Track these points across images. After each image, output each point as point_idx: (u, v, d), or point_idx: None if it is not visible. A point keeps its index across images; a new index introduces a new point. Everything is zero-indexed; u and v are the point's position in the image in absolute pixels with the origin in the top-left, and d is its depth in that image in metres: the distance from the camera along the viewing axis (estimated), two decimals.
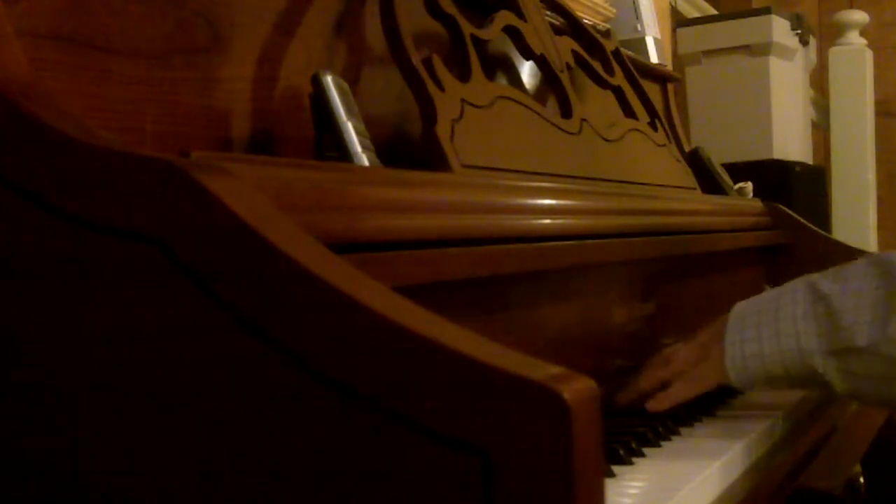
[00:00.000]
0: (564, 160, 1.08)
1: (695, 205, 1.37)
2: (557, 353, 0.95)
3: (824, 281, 0.92)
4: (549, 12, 1.29)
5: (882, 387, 0.90)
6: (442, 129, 0.88)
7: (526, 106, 1.05)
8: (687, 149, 1.69)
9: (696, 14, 3.12)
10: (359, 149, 0.80)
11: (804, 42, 2.84)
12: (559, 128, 1.10)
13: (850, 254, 1.52)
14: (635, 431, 0.85)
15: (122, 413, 0.53)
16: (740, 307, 0.96)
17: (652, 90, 1.67)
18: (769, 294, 0.96)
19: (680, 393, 0.95)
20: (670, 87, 1.81)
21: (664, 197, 1.29)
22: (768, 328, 0.92)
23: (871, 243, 2.89)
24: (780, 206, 1.65)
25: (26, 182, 0.54)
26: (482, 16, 1.09)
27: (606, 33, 1.45)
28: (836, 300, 0.90)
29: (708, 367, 0.95)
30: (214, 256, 0.50)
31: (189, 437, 0.51)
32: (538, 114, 1.07)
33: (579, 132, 1.14)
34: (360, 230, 0.65)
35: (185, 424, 0.51)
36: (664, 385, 0.96)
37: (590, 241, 0.94)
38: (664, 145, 1.42)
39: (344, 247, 0.59)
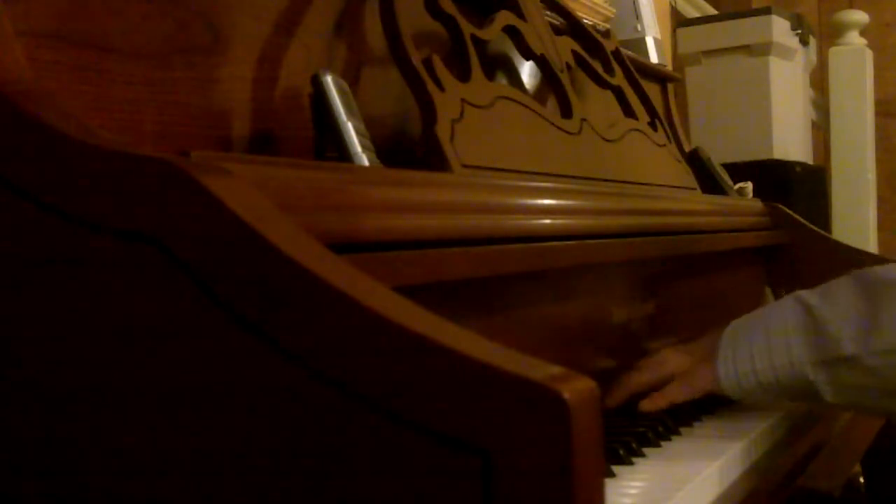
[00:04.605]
0: (564, 160, 1.08)
1: (695, 205, 1.37)
2: (557, 353, 0.95)
3: (811, 296, 0.95)
4: (549, 12, 1.29)
5: (870, 398, 0.91)
6: (442, 129, 0.88)
7: (526, 106, 1.05)
8: (687, 149, 1.69)
9: (696, 14, 3.12)
10: (359, 149, 0.80)
11: (804, 42, 2.84)
12: (559, 128, 1.10)
13: (850, 254, 1.53)
14: (635, 431, 0.85)
15: (122, 412, 0.53)
16: (733, 326, 0.98)
17: (652, 90, 1.66)
18: (760, 311, 0.98)
19: (674, 394, 0.96)
20: (670, 87, 1.81)
21: (664, 197, 1.29)
22: (759, 344, 0.94)
23: (871, 243, 2.89)
24: (780, 206, 1.65)
25: (26, 182, 0.54)
26: (482, 16, 1.09)
27: (606, 33, 1.45)
28: (823, 313, 0.92)
29: (702, 375, 0.96)
30: (214, 256, 0.50)
31: (188, 437, 0.51)
32: (538, 114, 1.07)
33: (579, 132, 1.14)
34: (360, 230, 0.65)
35: (185, 424, 0.51)
36: (654, 388, 0.97)
37: (590, 241, 0.94)
38: (664, 145, 1.42)
39: (344, 247, 0.59)
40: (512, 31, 1.12)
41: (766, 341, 0.93)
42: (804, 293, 0.95)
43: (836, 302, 0.92)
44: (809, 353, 0.91)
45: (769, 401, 1.00)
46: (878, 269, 0.94)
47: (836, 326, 0.90)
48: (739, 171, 2.12)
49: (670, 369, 0.97)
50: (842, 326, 0.90)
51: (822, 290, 0.95)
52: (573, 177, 1.08)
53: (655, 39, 1.86)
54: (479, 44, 1.02)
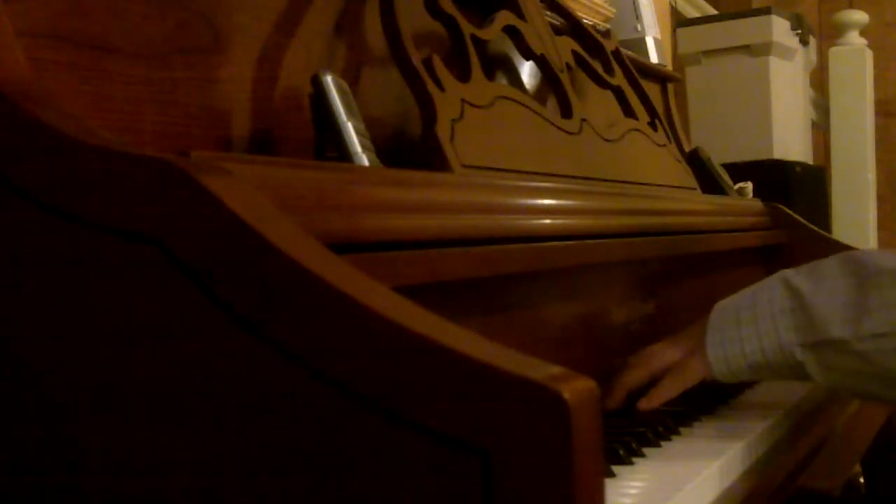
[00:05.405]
0: (564, 160, 1.08)
1: (695, 205, 1.37)
2: (557, 353, 0.95)
3: (798, 276, 0.95)
4: (549, 12, 1.29)
5: (857, 381, 0.92)
6: (442, 129, 0.88)
7: (526, 106, 1.05)
8: (687, 149, 1.69)
9: (696, 14, 3.12)
10: (359, 149, 0.80)
11: (804, 42, 2.84)
12: (559, 128, 1.10)
13: None
14: (635, 431, 0.85)
15: (122, 412, 0.53)
16: (719, 307, 0.97)
17: (652, 90, 1.66)
18: (746, 292, 0.98)
19: (668, 390, 0.96)
20: (670, 87, 1.81)
21: (664, 197, 1.29)
22: (748, 327, 0.94)
23: (871, 243, 2.89)
24: (780, 206, 1.65)
25: (26, 182, 0.54)
26: (482, 16, 1.09)
27: (606, 33, 1.45)
28: (810, 296, 0.92)
29: (693, 362, 0.96)
30: (214, 256, 0.50)
31: (188, 436, 0.51)
32: (538, 114, 1.07)
33: (579, 132, 1.14)
34: (360, 230, 0.65)
35: (185, 424, 0.51)
36: (649, 384, 0.97)
37: (590, 241, 0.94)
38: (664, 145, 1.42)
39: (344, 247, 0.59)
40: (512, 31, 1.12)
41: (754, 325, 0.93)
42: (790, 273, 0.95)
43: (823, 284, 0.93)
44: (798, 336, 0.92)
45: (759, 379, 1.00)
46: (867, 253, 0.95)
47: (824, 309, 0.91)
48: (739, 171, 2.13)
49: (662, 363, 0.98)
50: (829, 309, 0.91)
51: (809, 271, 0.95)
52: (573, 177, 1.08)
53: (655, 39, 1.86)
54: (479, 44, 1.02)
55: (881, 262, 0.92)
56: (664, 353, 0.98)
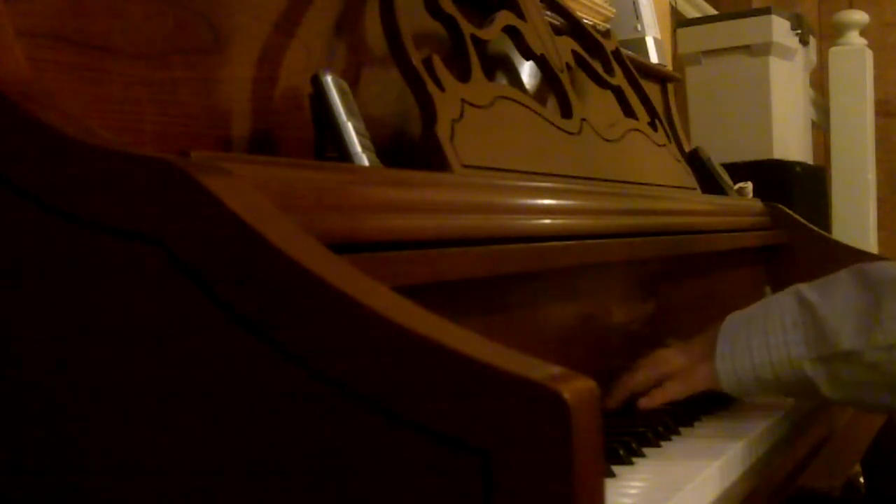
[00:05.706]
0: (564, 160, 1.08)
1: (695, 205, 1.37)
2: (557, 353, 0.95)
3: (810, 290, 0.95)
4: (549, 12, 1.29)
5: (868, 393, 0.92)
6: (442, 129, 0.88)
7: (526, 106, 1.05)
8: (687, 149, 1.69)
9: (696, 14, 3.12)
10: (359, 149, 0.80)
11: (804, 42, 2.84)
12: (559, 128, 1.10)
13: (850, 254, 1.53)
14: (635, 431, 0.85)
15: (122, 412, 0.53)
16: (731, 319, 0.97)
17: (652, 90, 1.66)
18: (758, 305, 0.98)
19: (672, 391, 0.96)
20: (670, 87, 1.81)
21: (664, 197, 1.29)
22: (758, 339, 0.93)
23: (871, 243, 2.89)
24: (780, 206, 1.65)
25: (26, 182, 0.54)
26: (482, 16, 1.09)
27: (606, 33, 1.45)
28: (821, 309, 0.92)
29: (700, 369, 0.96)
30: (214, 256, 0.50)
31: (188, 436, 0.51)
32: (538, 114, 1.07)
33: (579, 132, 1.14)
34: (360, 230, 0.65)
35: (185, 424, 0.51)
36: (653, 388, 0.97)
37: (590, 241, 0.94)
38: (664, 145, 1.42)
39: (344, 247, 0.59)
40: (512, 31, 1.12)
41: (765, 338, 0.93)
42: (803, 287, 0.95)
43: (834, 297, 0.92)
44: (808, 350, 0.91)
45: (767, 397, 1.00)
46: (878, 265, 0.94)
47: (835, 322, 0.90)
48: (739, 171, 2.13)
49: (669, 368, 0.98)
50: (841, 322, 0.90)
51: (821, 285, 0.95)
52: (573, 177, 1.07)
53: (655, 39, 1.86)
54: (479, 44, 1.02)
55: (891, 273, 0.91)
56: (672, 358, 0.98)
